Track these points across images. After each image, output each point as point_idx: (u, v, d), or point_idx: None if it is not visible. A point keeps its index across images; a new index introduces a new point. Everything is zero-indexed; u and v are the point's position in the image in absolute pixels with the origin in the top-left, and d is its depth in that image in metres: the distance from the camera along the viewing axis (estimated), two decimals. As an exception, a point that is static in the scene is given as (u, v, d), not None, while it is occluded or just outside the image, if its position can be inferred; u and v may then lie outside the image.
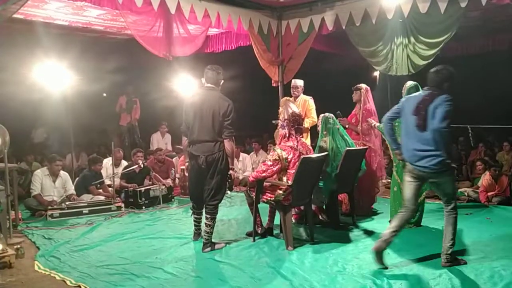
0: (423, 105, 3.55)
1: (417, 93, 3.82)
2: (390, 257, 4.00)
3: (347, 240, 4.56)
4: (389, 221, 4.97)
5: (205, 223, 4.34)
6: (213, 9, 6.25)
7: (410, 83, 4.79)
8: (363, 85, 5.69)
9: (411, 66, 6.25)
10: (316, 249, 4.26)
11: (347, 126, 5.64)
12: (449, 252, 3.70)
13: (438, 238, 4.48)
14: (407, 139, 3.70)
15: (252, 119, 12.06)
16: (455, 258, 3.74)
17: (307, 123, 5.90)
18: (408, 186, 3.78)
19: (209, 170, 4.23)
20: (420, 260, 3.89)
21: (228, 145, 4.25)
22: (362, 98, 5.61)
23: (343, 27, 6.67)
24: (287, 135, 4.49)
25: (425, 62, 6.12)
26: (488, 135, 9.28)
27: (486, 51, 9.22)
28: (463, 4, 5.52)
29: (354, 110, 5.75)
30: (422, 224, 4.95)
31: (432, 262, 3.82)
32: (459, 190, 6.73)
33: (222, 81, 4.41)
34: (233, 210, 6.15)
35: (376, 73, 10.83)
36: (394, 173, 4.99)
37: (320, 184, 4.76)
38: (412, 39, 6.16)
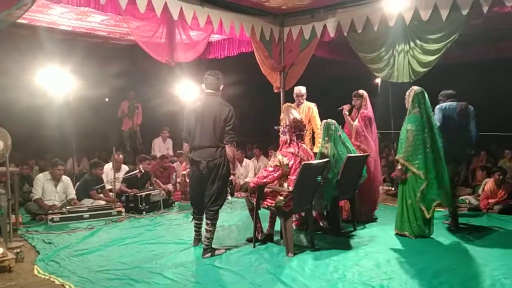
0: (464, 112, 5.22)
1: (450, 104, 5.26)
2: (390, 264, 3.99)
3: (347, 247, 4.54)
4: (395, 233, 4.93)
5: (206, 229, 4.33)
6: (216, 15, 6.28)
7: (417, 88, 4.79)
8: (364, 92, 5.73)
9: (412, 73, 6.24)
10: (316, 256, 4.24)
11: (346, 112, 5.66)
12: None
13: (438, 246, 4.51)
14: (452, 134, 5.05)
15: (254, 125, 12.08)
16: None
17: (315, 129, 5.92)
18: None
19: (210, 176, 4.23)
20: (420, 267, 3.87)
21: (229, 150, 4.26)
22: (362, 104, 5.66)
23: (345, 34, 6.69)
24: (289, 141, 4.49)
25: (425, 69, 6.12)
26: (489, 143, 9.26)
27: (488, 58, 9.23)
28: (464, 12, 5.53)
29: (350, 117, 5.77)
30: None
31: (432, 270, 3.80)
32: (460, 197, 6.70)
33: (222, 86, 4.43)
34: (233, 215, 6.14)
35: (378, 80, 10.84)
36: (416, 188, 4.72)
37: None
38: (413, 46, 6.16)
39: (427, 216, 4.69)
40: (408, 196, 4.76)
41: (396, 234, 4.89)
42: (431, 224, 4.82)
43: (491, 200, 6.07)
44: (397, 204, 5.01)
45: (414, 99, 4.70)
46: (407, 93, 4.85)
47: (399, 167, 4.72)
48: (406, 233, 4.79)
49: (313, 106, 6.08)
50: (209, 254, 4.29)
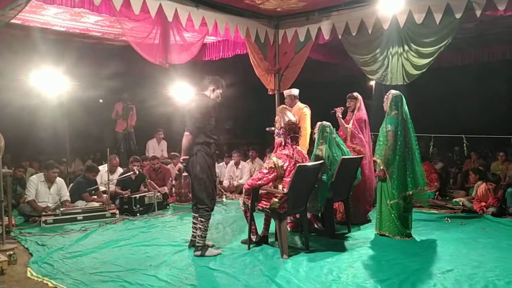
0: None
1: None
2: (385, 266, 4.00)
3: (342, 249, 4.56)
4: (375, 233, 4.99)
5: (195, 226, 4.40)
6: (211, 17, 6.28)
7: (395, 91, 4.88)
8: (358, 94, 5.76)
9: (406, 76, 6.28)
10: (311, 258, 4.25)
11: (340, 115, 5.70)
12: None
13: (432, 248, 4.53)
14: None
15: (248, 126, 12.11)
16: None
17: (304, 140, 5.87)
18: None
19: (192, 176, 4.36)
20: (415, 269, 3.89)
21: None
22: (357, 106, 5.69)
23: (339, 37, 6.72)
24: (283, 143, 4.50)
25: (419, 72, 6.15)
26: (482, 145, 9.34)
27: (481, 61, 9.31)
28: (458, 16, 5.58)
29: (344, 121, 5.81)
30: (412, 234, 4.92)
31: (427, 271, 3.83)
32: (454, 199, 6.75)
33: (212, 87, 4.46)
34: (228, 217, 6.13)
35: (372, 82, 10.90)
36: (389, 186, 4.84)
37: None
38: (407, 49, 6.19)
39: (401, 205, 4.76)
40: (386, 196, 4.85)
41: (376, 234, 4.98)
42: (409, 223, 4.88)
43: (483, 203, 6.12)
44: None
45: (392, 102, 4.81)
46: (385, 97, 4.96)
47: (381, 167, 4.82)
48: (385, 232, 4.89)
49: (304, 107, 6.00)
50: (199, 252, 4.31)
